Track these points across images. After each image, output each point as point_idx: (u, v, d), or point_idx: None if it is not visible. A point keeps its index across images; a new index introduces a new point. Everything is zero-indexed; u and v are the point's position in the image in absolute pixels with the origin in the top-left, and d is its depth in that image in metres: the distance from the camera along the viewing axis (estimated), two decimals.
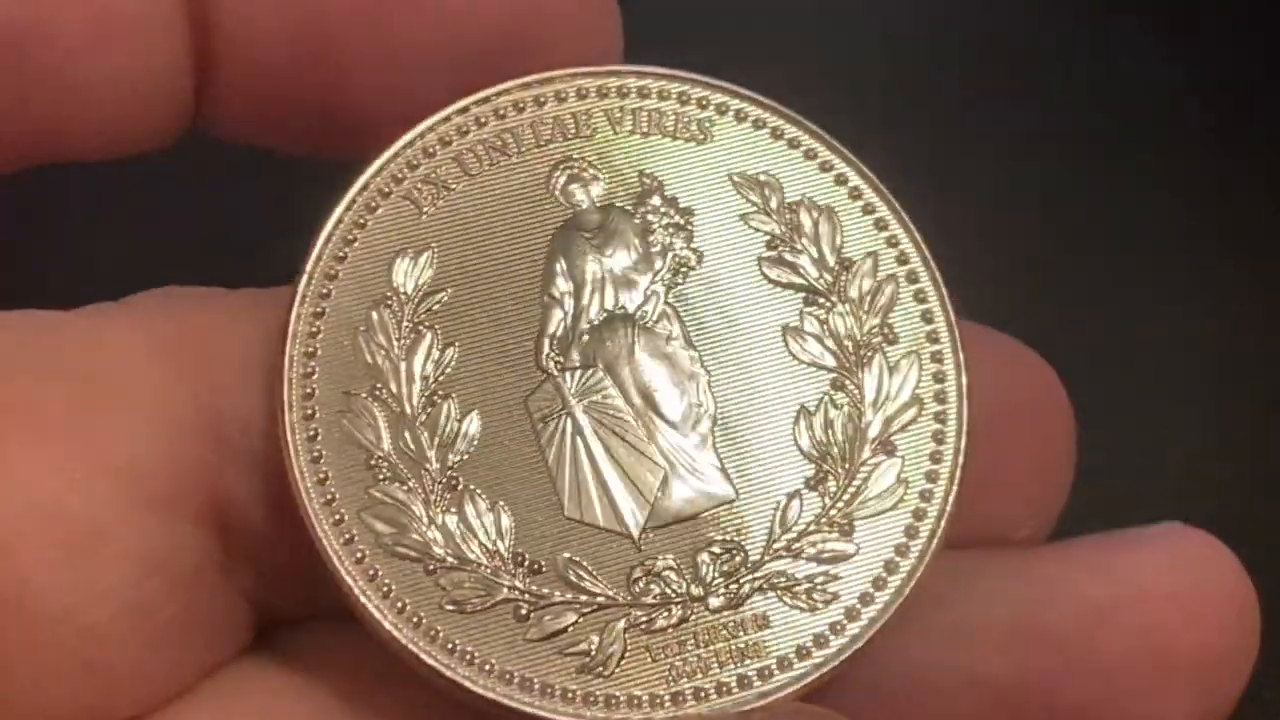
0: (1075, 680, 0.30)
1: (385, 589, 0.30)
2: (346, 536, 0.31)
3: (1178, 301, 0.50)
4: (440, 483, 0.31)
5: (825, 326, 0.32)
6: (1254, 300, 0.50)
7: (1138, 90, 0.53)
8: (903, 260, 0.33)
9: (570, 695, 0.30)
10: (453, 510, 0.31)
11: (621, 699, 0.30)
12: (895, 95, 0.50)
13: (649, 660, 0.31)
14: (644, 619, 0.31)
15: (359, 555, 0.30)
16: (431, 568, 0.31)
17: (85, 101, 0.32)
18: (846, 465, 0.32)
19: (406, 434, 0.31)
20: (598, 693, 0.30)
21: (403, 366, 0.31)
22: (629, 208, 0.33)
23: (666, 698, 0.30)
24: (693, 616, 0.31)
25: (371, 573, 0.30)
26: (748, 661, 0.31)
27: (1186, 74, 0.53)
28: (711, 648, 0.31)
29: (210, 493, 0.31)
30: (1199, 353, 0.49)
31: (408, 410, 0.31)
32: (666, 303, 0.32)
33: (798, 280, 0.33)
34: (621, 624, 0.31)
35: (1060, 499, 0.34)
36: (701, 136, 0.33)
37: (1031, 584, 0.31)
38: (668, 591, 0.31)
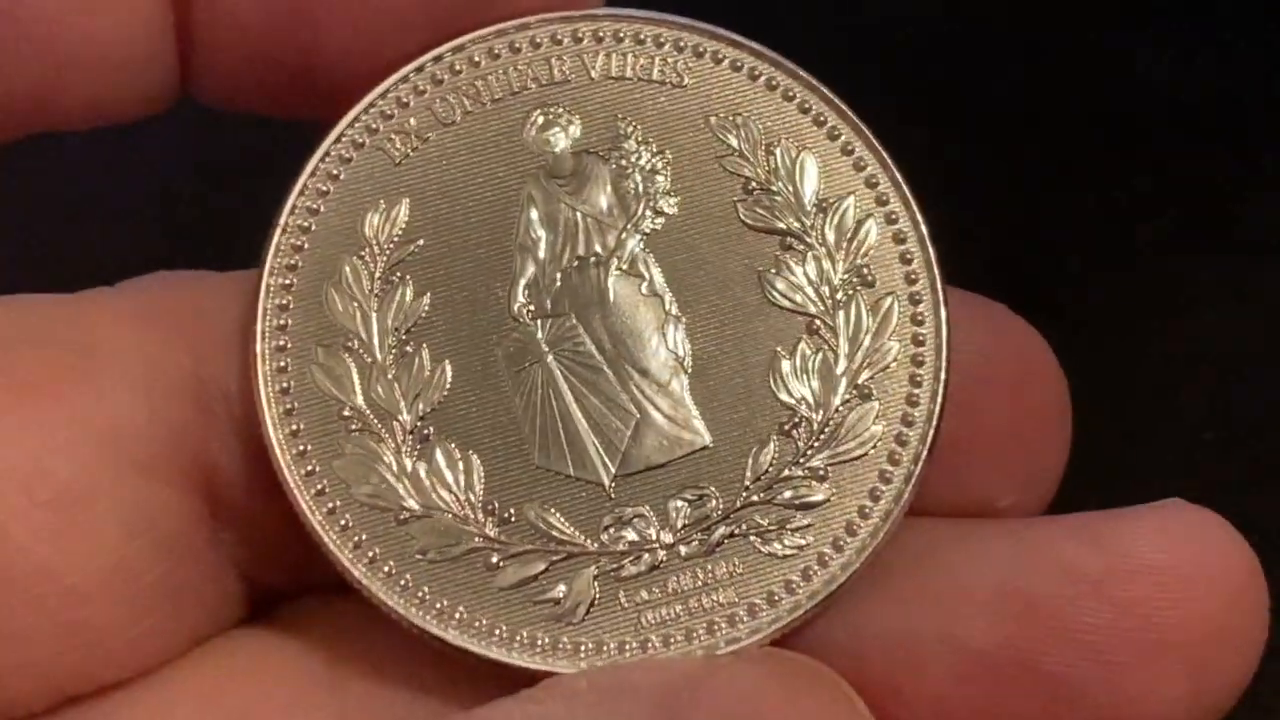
0: (1058, 649, 0.29)
1: (356, 540, 0.31)
2: (318, 488, 0.31)
3: (1187, 304, 0.49)
4: (411, 433, 0.31)
5: (802, 270, 0.32)
6: (1260, 302, 0.49)
7: (1149, 91, 0.52)
8: (881, 201, 0.32)
9: (539, 643, 0.30)
10: (423, 460, 0.31)
11: (590, 646, 0.30)
12: (892, 76, 0.49)
13: (618, 608, 0.30)
14: (614, 567, 0.31)
15: (331, 506, 0.31)
16: (403, 518, 0.31)
17: (71, 67, 0.32)
18: (821, 410, 0.31)
19: (378, 385, 0.31)
20: (566, 640, 0.30)
21: (375, 316, 0.31)
22: (603, 153, 0.33)
23: (635, 645, 0.30)
24: (663, 564, 0.31)
25: (343, 523, 0.31)
26: (717, 608, 0.30)
27: (1199, 75, 0.52)
28: (681, 595, 0.31)
29: (195, 458, 0.31)
30: (1209, 355, 0.48)
31: (379, 360, 0.31)
32: (641, 248, 0.32)
33: (774, 224, 0.32)
34: (591, 572, 0.31)
35: (1052, 472, 0.33)
36: (678, 80, 0.33)
37: (1017, 551, 0.30)
38: (638, 539, 0.31)
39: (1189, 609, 0.29)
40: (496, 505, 0.31)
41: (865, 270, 0.32)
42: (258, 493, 0.32)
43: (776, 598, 0.31)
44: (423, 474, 0.31)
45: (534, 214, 0.32)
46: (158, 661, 0.32)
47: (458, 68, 0.33)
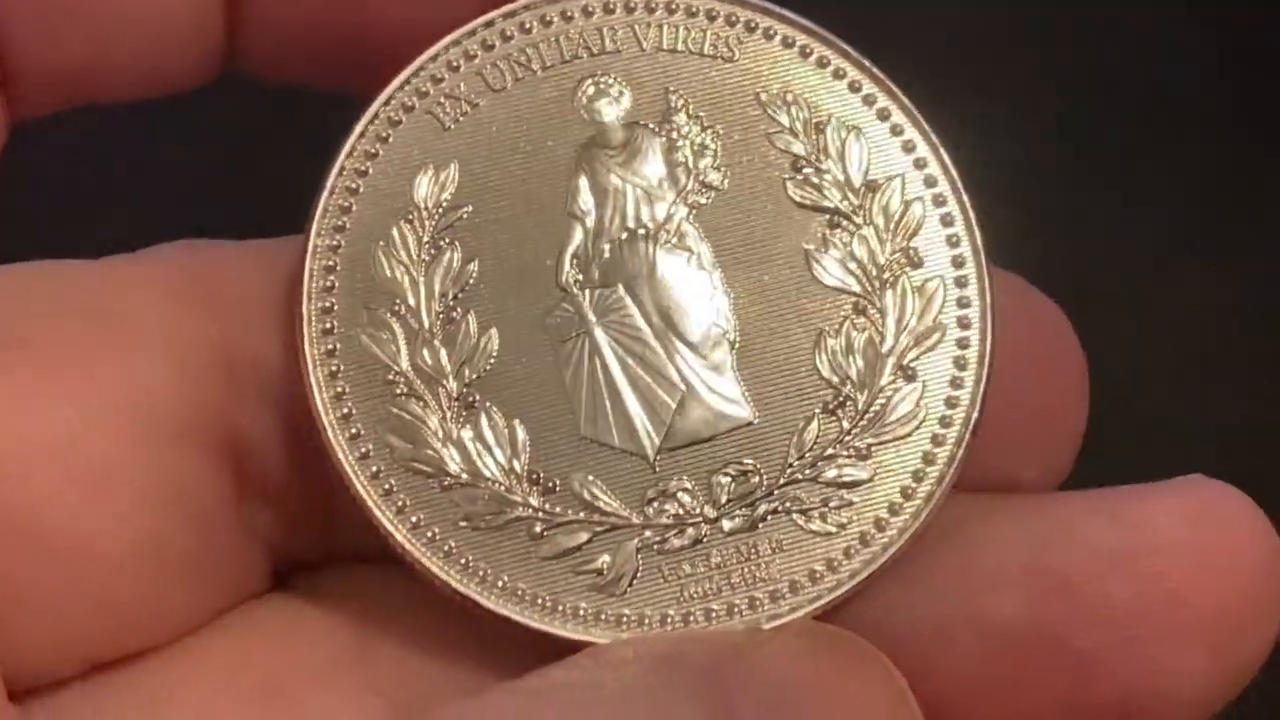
0: (1085, 626, 0.29)
1: (400, 504, 0.31)
2: (362, 451, 0.31)
3: (1210, 272, 0.50)
4: (457, 399, 0.31)
5: (849, 249, 0.32)
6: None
7: (1169, 60, 0.52)
8: (930, 183, 0.32)
9: (581, 613, 0.30)
10: (469, 427, 0.31)
11: (632, 618, 0.30)
12: (925, 60, 0.49)
13: (661, 581, 0.31)
14: (657, 540, 0.31)
15: (375, 470, 0.31)
16: (446, 484, 0.31)
17: (118, 36, 0.32)
18: (866, 390, 0.31)
19: (424, 350, 0.31)
20: (608, 611, 0.30)
21: (422, 281, 0.31)
22: (654, 125, 0.33)
23: (677, 618, 0.30)
24: (706, 538, 0.31)
25: (387, 487, 0.31)
26: (759, 583, 0.31)
27: (1219, 45, 0.52)
28: (724, 569, 0.31)
29: (223, 428, 0.31)
30: (1230, 323, 0.49)
31: (426, 326, 0.31)
32: (689, 222, 0.32)
33: (822, 202, 0.32)
34: (634, 544, 0.31)
35: (1071, 445, 0.33)
36: (729, 54, 0.33)
37: (1045, 527, 0.30)
38: (681, 513, 0.31)
39: (1211, 583, 0.29)
40: (541, 474, 0.31)
41: (912, 251, 0.32)
42: (284, 463, 0.32)
43: (818, 575, 0.31)
44: (468, 441, 0.31)
45: (583, 184, 0.32)
46: (184, 630, 0.32)
47: (509, 33, 0.33)
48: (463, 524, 0.30)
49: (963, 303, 0.32)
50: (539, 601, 0.30)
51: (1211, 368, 0.49)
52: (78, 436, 0.30)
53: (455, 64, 0.32)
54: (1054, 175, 0.51)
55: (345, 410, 0.31)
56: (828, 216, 0.32)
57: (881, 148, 0.32)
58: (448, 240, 0.32)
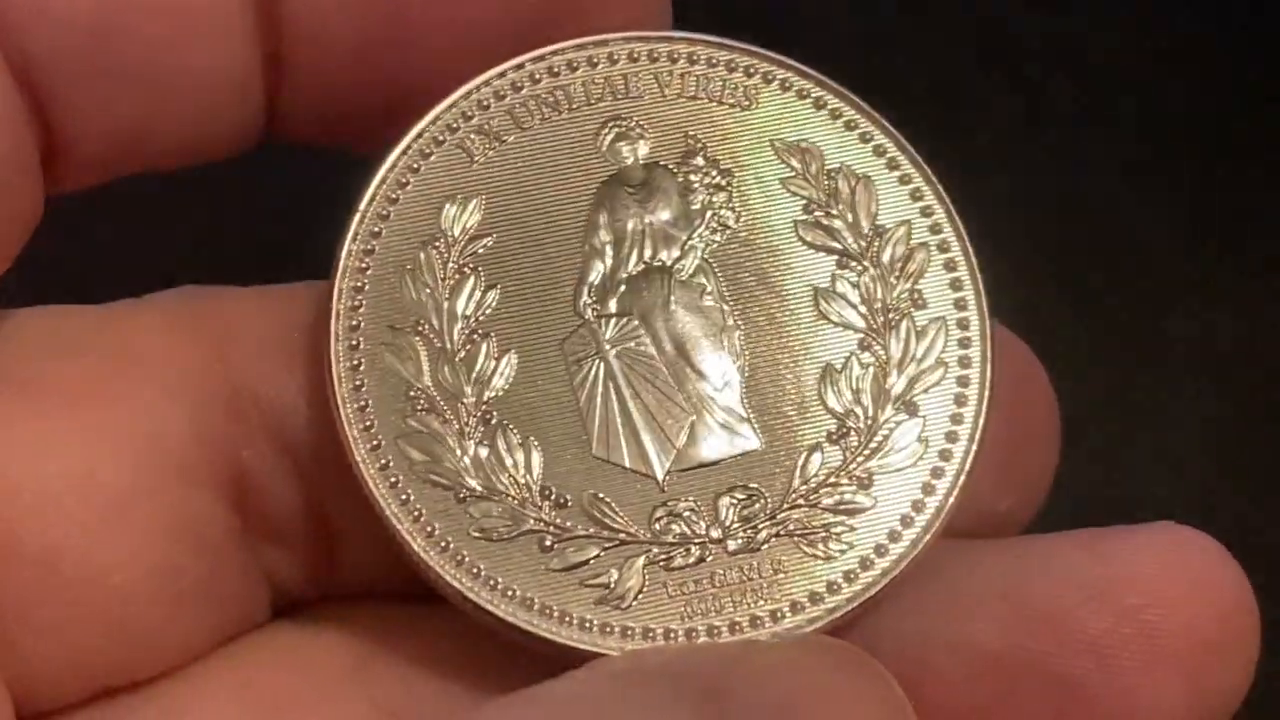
0: (1064, 652, 0.30)
1: (416, 513, 0.32)
2: (382, 462, 0.32)
3: (1192, 305, 0.51)
4: (475, 416, 0.32)
5: (856, 289, 0.33)
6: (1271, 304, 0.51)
7: (1157, 92, 0.54)
8: (935, 230, 0.34)
9: (588, 624, 0.31)
10: (485, 443, 0.32)
11: (637, 631, 0.31)
12: (911, 89, 0.51)
13: (665, 596, 0.32)
14: (663, 556, 0.32)
15: (393, 480, 0.32)
16: (462, 496, 0.32)
17: (167, 102, 0.33)
18: (869, 422, 0.33)
19: (446, 369, 0.32)
20: (614, 624, 0.31)
21: (445, 305, 0.33)
22: (672, 166, 0.34)
23: (680, 632, 0.31)
24: (710, 557, 0.32)
25: (404, 497, 0.32)
26: (761, 602, 0.32)
27: (1203, 77, 0.54)
28: (726, 588, 0.32)
29: (228, 464, 0.33)
30: (1214, 357, 0.50)
31: (448, 346, 0.32)
32: (703, 259, 0.34)
33: (832, 244, 0.34)
34: (641, 560, 0.32)
35: (1045, 476, 0.35)
36: (746, 103, 0.34)
37: (1025, 560, 0.32)
38: (687, 532, 0.32)
39: (1183, 619, 0.31)
40: (554, 491, 0.32)
41: (917, 293, 0.33)
42: (286, 497, 0.33)
43: (818, 597, 0.32)
44: (484, 457, 0.32)
45: (603, 219, 0.34)
46: (190, 657, 0.33)
47: (537, 76, 0.34)
48: (476, 535, 0.32)
49: (964, 343, 0.33)
50: (548, 611, 0.31)
51: (1195, 406, 0.50)
52: (95, 471, 0.31)
53: (486, 102, 0.34)
54: (1038, 222, 0.52)
55: (368, 423, 0.32)
56: (836, 258, 0.33)
57: (890, 195, 0.34)
58: (472, 267, 0.33)
